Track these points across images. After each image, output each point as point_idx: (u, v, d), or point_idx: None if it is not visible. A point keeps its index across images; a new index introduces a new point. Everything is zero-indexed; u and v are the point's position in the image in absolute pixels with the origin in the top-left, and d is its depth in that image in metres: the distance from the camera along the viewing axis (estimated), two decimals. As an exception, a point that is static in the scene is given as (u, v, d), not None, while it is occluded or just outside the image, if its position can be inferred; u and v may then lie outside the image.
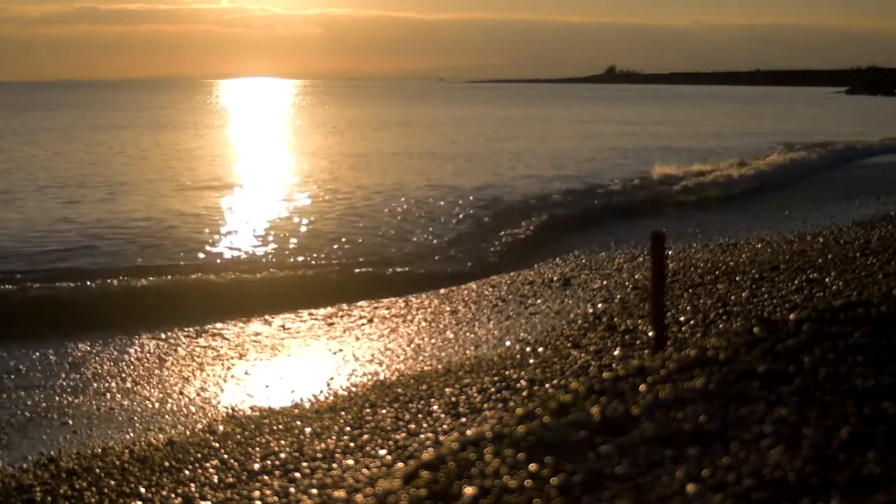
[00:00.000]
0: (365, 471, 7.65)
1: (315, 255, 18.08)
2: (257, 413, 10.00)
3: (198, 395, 10.64)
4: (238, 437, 9.21)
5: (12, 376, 11.26)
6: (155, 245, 19.14)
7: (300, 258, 17.96)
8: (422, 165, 36.76)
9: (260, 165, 37.76)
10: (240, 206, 26.04)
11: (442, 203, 26.39)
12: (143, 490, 7.96)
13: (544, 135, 57.83)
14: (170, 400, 10.52)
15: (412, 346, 12.48)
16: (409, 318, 14.15)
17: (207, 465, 8.45)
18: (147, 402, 10.49)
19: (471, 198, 27.27)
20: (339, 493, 6.07)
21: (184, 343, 12.54)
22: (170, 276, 15.93)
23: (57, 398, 10.65)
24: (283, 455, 8.49)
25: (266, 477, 7.96)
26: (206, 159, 39.76)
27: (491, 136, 56.28)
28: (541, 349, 11.86)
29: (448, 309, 14.65)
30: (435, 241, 20.76)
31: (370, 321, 13.97)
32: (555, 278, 17.00)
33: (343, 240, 20.61)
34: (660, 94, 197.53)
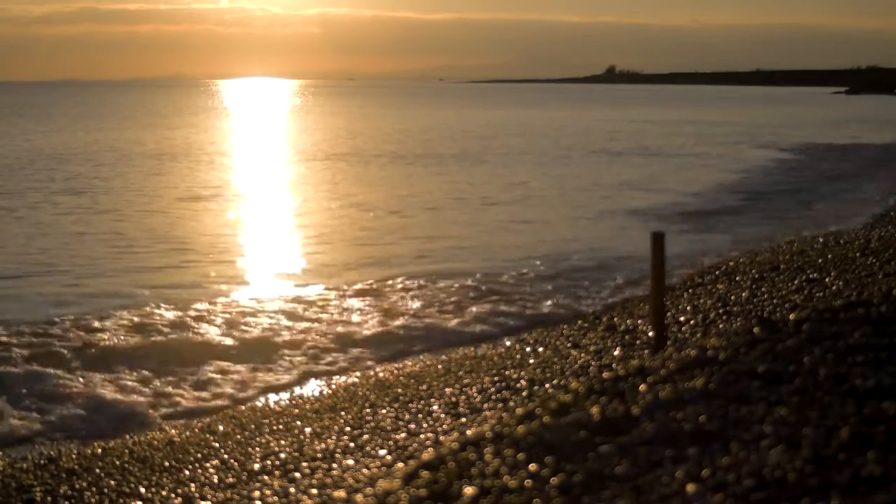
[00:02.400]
0: (365, 471, 7.65)
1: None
2: (258, 413, 10.00)
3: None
4: (238, 437, 9.20)
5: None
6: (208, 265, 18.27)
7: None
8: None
9: (283, 176, 35.70)
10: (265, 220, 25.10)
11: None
12: (143, 490, 7.96)
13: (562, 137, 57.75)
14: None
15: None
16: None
17: (207, 465, 8.45)
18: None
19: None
20: (339, 493, 6.09)
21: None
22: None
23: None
24: (283, 455, 8.48)
25: (266, 477, 7.96)
26: (240, 168, 38.17)
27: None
28: (541, 349, 11.85)
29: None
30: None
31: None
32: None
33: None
34: (661, 94, 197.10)
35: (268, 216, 24.88)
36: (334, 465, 7.97)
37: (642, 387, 5.60)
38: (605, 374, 6.13)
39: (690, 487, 4.09)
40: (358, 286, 15.58)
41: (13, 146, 45.61)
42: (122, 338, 12.21)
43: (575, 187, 30.95)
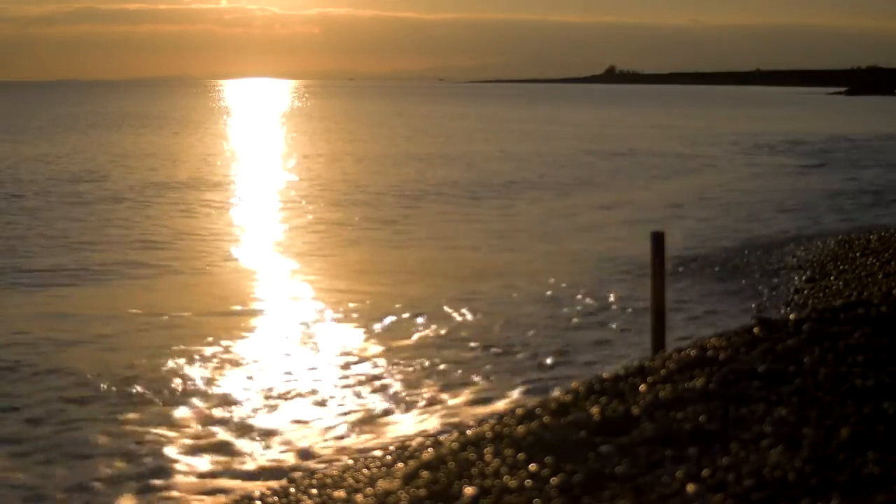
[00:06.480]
0: (365, 471, 7.65)
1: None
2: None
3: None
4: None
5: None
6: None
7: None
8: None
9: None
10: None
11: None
12: (143, 490, 7.95)
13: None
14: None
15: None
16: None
17: (208, 465, 8.45)
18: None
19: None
20: (339, 493, 6.07)
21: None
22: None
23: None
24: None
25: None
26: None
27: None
28: (541, 349, 11.85)
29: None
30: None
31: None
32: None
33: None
34: (664, 95, 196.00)
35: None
36: (334, 465, 7.97)
37: (642, 387, 5.61)
38: (605, 374, 6.13)
39: (690, 487, 4.10)
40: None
41: None
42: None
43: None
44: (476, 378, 10.75)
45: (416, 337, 12.51)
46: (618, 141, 52.62)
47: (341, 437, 9.02)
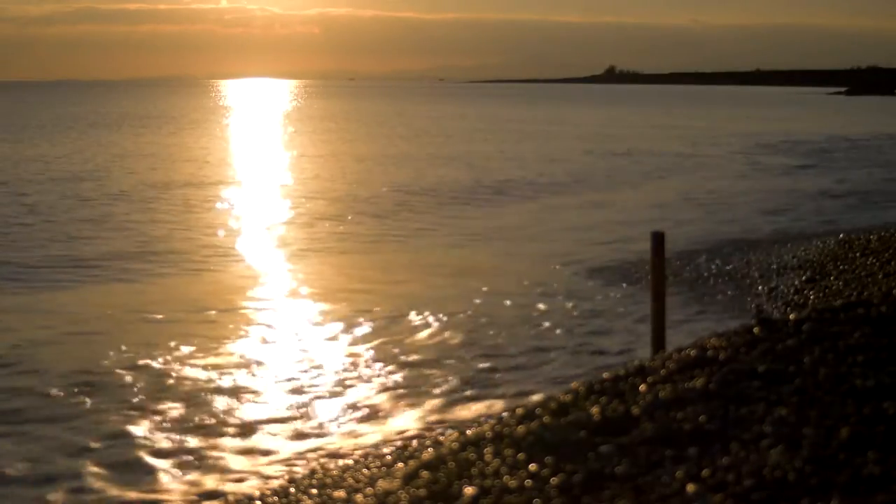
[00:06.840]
0: (365, 471, 7.66)
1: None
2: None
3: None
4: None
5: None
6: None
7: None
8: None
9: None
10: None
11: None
12: (143, 490, 7.95)
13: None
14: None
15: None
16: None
17: (207, 465, 8.45)
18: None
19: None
20: (339, 493, 6.08)
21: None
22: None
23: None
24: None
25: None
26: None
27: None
28: (541, 349, 11.86)
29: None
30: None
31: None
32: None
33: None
34: (662, 94, 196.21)
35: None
36: (334, 466, 7.97)
37: (642, 387, 5.61)
38: (605, 374, 6.13)
39: (690, 487, 4.10)
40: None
41: None
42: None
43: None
44: (473, 378, 10.76)
45: (412, 336, 12.51)
46: (617, 141, 52.67)
47: (341, 437, 9.03)
